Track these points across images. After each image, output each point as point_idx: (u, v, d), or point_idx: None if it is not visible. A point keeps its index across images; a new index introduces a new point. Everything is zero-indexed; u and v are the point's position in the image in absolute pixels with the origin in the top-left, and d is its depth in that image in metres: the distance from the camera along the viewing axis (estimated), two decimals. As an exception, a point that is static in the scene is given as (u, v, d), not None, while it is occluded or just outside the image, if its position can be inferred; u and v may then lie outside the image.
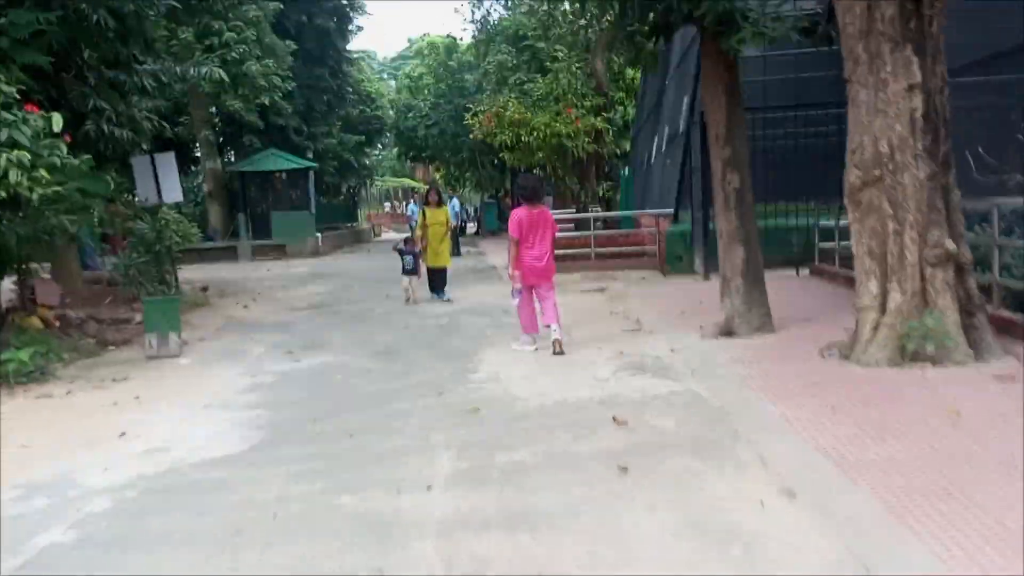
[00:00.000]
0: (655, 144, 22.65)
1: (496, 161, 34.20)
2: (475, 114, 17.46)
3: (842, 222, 12.90)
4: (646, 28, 8.45)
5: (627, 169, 23.12)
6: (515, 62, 23.06)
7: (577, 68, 17.50)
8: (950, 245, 6.37)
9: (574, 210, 17.16)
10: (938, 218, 6.41)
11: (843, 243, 12.61)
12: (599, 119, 16.11)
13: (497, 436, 5.39)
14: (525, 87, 19.55)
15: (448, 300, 12.57)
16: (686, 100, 16.00)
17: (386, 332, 10.10)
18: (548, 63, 22.97)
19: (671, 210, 15.64)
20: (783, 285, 11.90)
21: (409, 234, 12.97)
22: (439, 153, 33.83)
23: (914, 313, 6.41)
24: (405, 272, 12.58)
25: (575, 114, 15.98)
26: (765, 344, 7.61)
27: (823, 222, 13.31)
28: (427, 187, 12.53)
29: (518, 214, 8.31)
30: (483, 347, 8.69)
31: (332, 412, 6.30)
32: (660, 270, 15.19)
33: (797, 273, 13.51)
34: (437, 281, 12.82)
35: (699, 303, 10.62)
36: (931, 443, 4.52)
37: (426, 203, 12.90)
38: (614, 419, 5.57)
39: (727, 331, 8.08)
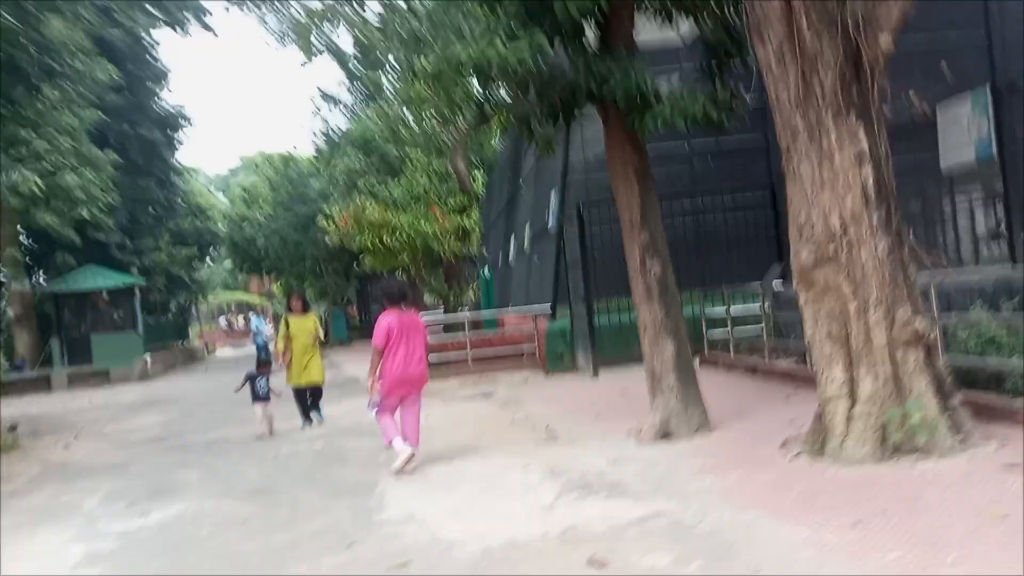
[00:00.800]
0: (513, 243, 22.19)
1: (342, 269, 32.88)
2: (330, 217, 16.22)
3: (733, 308, 12.68)
4: (546, 109, 7.71)
5: (486, 269, 22.44)
6: (363, 166, 22.14)
7: (434, 169, 16.77)
8: (920, 324, 5.78)
9: (442, 311, 16.12)
10: (902, 295, 5.83)
11: (737, 329, 12.30)
12: (465, 217, 15.34)
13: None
14: (375, 190, 18.62)
15: (321, 422, 10.71)
16: (554, 195, 15.53)
17: (252, 466, 8.45)
18: (399, 166, 22.32)
19: (548, 306, 14.87)
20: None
21: (264, 354, 10.90)
22: (279, 263, 32.04)
23: (889, 400, 5.73)
24: (257, 399, 10.12)
25: (440, 213, 15.11)
26: (714, 447, 6.71)
27: (710, 310, 12.93)
28: (289, 295, 10.79)
29: (387, 320, 7.30)
30: (380, 476, 7.28)
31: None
32: (542, 370, 14.27)
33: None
34: (310, 402, 10.77)
35: (605, 404, 9.73)
36: (1000, 557, 3.67)
37: (288, 310, 11.00)
38: (591, 562, 4.40)
39: (664, 433, 7.15)
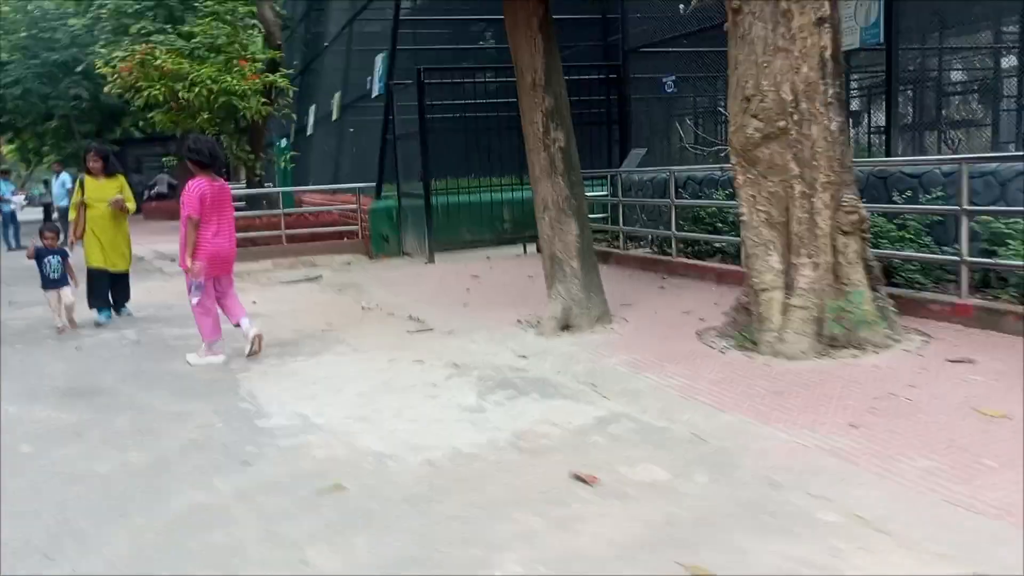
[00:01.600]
0: (313, 113, 20.28)
1: (98, 132, 28.80)
2: (110, 63, 13.60)
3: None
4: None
5: (283, 140, 20.42)
6: (137, 7, 18.94)
7: (237, 15, 14.48)
8: (863, 210, 5.47)
9: (245, 184, 14.23)
10: (849, 178, 5.48)
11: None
12: (279, 76, 13.45)
13: (440, 539, 3.21)
14: (164, 37, 15.96)
15: (129, 315, 8.64)
16: (380, 60, 14.02)
17: (59, 360, 6.85)
18: (180, 12, 19.35)
19: (372, 184, 13.62)
20: (527, 264, 10.73)
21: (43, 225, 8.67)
22: (20, 119, 27.40)
23: (827, 291, 5.42)
24: (49, 285, 7.90)
25: (249, 68, 13.11)
26: (626, 340, 6.18)
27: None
28: (87, 149, 8.46)
29: (199, 186, 6.30)
30: (234, 372, 6.09)
31: (64, 536, 3.50)
32: (365, 253, 13.15)
33: (525, 251, 12.43)
34: (112, 291, 8.47)
35: (462, 292, 8.96)
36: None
37: (85, 170, 8.37)
38: (577, 477, 3.70)
39: (564, 324, 6.51)
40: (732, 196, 8.55)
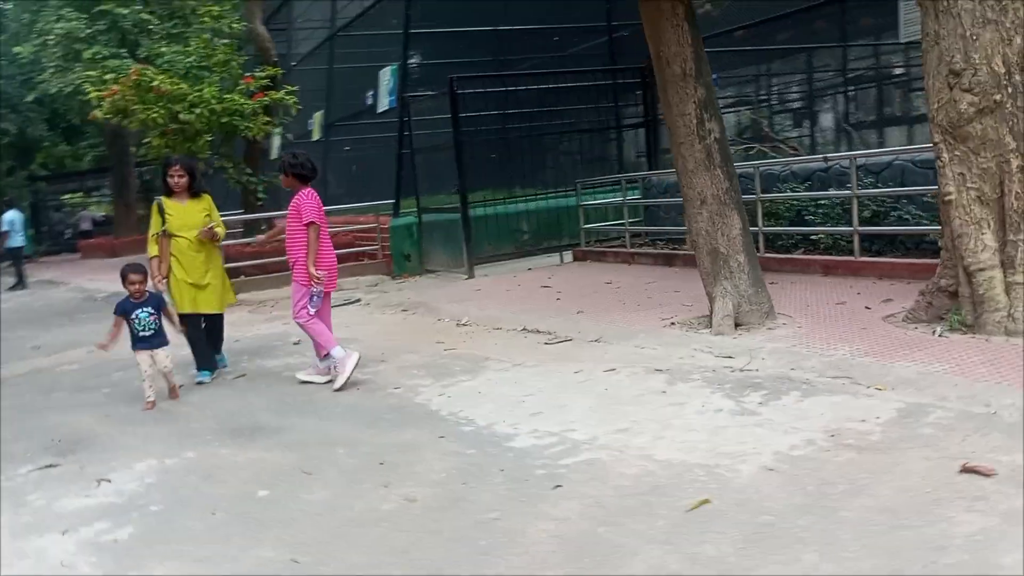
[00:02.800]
0: (283, 131, 19.40)
1: (10, 170, 27.11)
2: (96, 84, 12.55)
3: (604, 200, 11.98)
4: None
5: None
6: (89, 31, 17.73)
7: (230, 28, 13.63)
8: None
9: (243, 210, 13.33)
10: (1064, 151, 5.33)
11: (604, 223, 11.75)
12: (284, 93, 12.69)
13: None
14: (109, 63, 15.00)
15: (225, 368, 6.85)
16: (388, 72, 13.45)
17: (183, 403, 6.06)
18: (134, 36, 18.26)
19: (389, 202, 13.00)
20: (584, 272, 10.39)
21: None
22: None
23: (1049, 268, 5.25)
24: (140, 344, 5.85)
25: (255, 85, 12.31)
26: (818, 332, 5.87)
27: (588, 201, 12.05)
28: (168, 163, 6.66)
29: (315, 195, 6.18)
30: (401, 394, 5.49)
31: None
32: (387, 273, 12.52)
33: (562, 260, 12.07)
34: (209, 339, 6.70)
35: (555, 299, 8.52)
36: None
37: (166, 191, 6.52)
38: (970, 469, 3.35)
39: (737, 322, 6.17)
40: (816, 188, 8.52)
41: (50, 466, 4.64)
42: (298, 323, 6.09)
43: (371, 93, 14.23)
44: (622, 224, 11.53)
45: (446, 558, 3.10)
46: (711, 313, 6.31)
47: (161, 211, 6.48)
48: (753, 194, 8.80)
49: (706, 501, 3.35)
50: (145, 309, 5.85)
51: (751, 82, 15.79)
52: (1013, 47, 5.17)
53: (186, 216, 6.52)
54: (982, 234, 5.34)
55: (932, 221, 7.22)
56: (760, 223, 8.87)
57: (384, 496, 3.77)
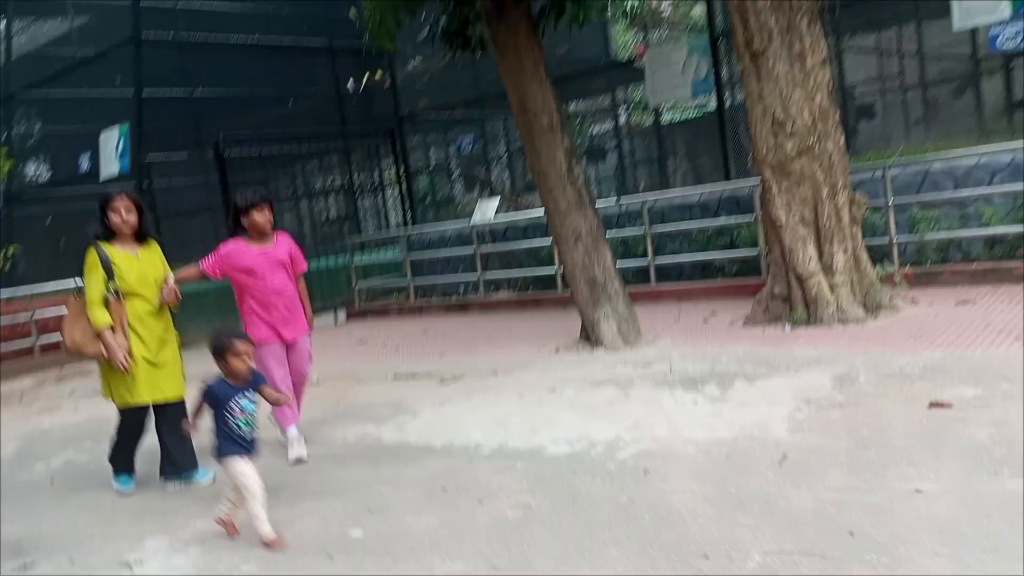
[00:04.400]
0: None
1: None
2: None
3: (375, 257, 12.26)
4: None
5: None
6: None
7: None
8: (867, 202, 7.07)
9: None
10: (850, 180, 7.03)
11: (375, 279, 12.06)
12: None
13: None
14: None
15: (206, 478, 4.94)
16: (118, 134, 12.39)
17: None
18: None
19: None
20: (373, 327, 10.64)
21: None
22: None
23: (853, 271, 6.88)
24: (235, 448, 3.93)
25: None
26: (696, 340, 6.93)
27: (361, 259, 12.24)
28: (108, 197, 4.80)
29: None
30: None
31: None
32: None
33: (336, 320, 12.09)
34: (172, 442, 4.91)
35: (391, 349, 8.73)
36: None
37: (106, 232, 4.81)
38: (936, 404, 4.50)
39: (625, 340, 7.02)
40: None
41: None
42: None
43: (87, 154, 13.00)
44: (400, 279, 11.92)
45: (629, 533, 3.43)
46: (594, 335, 7.07)
47: (104, 261, 4.68)
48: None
49: (785, 456, 4.06)
50: (249, 397, 4.01)
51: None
52: (815, 103, 6.77)
53: (141, 269, 4.81)
54: (807, 248, 6.82)
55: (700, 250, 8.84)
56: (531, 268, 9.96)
57: (487, 511, 3.91)
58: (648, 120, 16.34)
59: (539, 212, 11.20)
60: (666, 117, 16.37)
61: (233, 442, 3.94)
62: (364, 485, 4.56)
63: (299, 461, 5.10)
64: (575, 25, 7.27)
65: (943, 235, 7.86)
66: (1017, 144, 7.89)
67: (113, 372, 4.72)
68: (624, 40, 17.51)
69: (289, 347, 5.29)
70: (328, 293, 12.25)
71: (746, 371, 5.72)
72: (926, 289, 7.39)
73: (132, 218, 4.82)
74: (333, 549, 3.74)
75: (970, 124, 13.55)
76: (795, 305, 6.88)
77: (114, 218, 4.79)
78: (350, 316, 12.17)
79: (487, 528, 3.74)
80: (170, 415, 4.86)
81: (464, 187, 14.62)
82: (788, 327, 6.80)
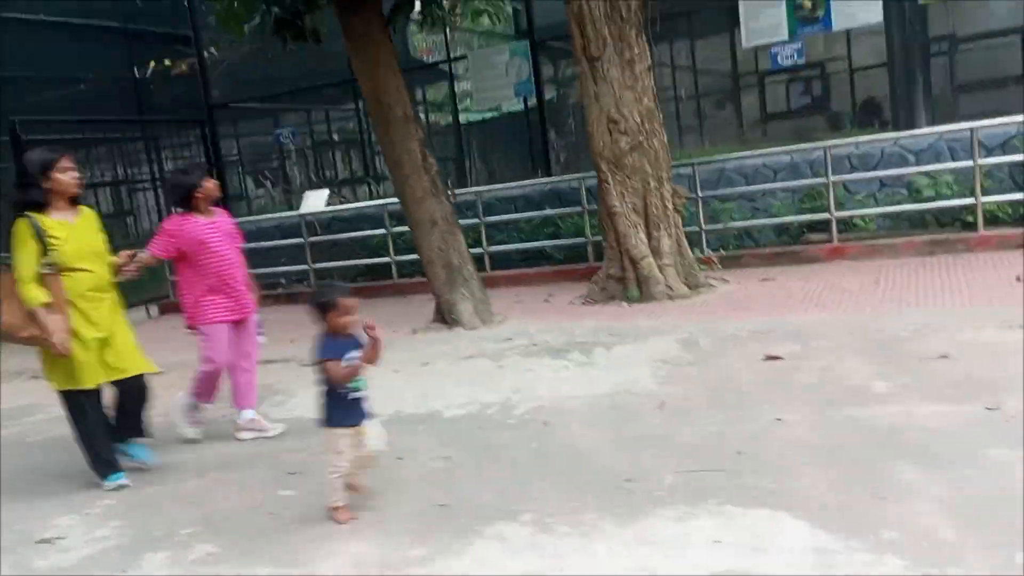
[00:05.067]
0: None
1: None
2: None
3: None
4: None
5: None
6: None
7: None
8: (685, 194, 8.02)
9: None
10: (671, 174, 7.95)
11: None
12: None
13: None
14: None
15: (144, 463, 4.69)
16: None
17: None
18: None
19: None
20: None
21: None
22: None
23: (677, 253, 7.82)
24: (349, 417, 3.66)
25: None
26: (551, 318, 7.53)
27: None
28: (44, 154, 4.31)
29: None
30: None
31: None
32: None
33: (148, 314, 11.61)
34: (130, 416, 4.61)
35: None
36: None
37: (39, 201, 4.25)
38: (771, 357, 5.40)
39: (482, 320, 7.49)
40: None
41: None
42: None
43: None
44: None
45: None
46: (451, 316, 7.47)
47: (39, 234, 4.18)
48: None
49: (663, 403, 4.73)
50: (355, 353, 3.64)
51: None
52: (643, 105, 7.61)
53: (80, 238, 4.35)
54: (638, 233, 7.65)
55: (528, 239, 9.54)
56: (391, 254, 10.26)
57: (411, 465, 4.25)
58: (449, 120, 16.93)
59: (366, 203, 11.54)
60: (465, 117, 17.08)
61: (344, 409, 3.64)
62: (276, 455, 4.70)
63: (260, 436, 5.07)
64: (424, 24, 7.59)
65: (742, 224, 9.03)
66: (794, 147, 9.28)
67: (49, 355, 4.29)
68: (423, 43, 17.98)
69: (239, 325, 5.12)
70: (135, 287, 11.67)
71: (602, 340, 6.38)
72: (731, 270, 8.48)
73: (72, 180, 4.33)
74: (271, 507, 3.91)
75: (731, 132, 15.34)
76: (629, 285, 7.68)
77: (65, 179, 4.29)
78: (165, 311, 11.69)
79: (419, 477, 4.07)
80: (134, 391, 4.50)
81: (282, 180, 14.40)
82: (625, 304, 7.59)
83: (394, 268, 10.30)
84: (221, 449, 5.00)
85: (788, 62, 9.86)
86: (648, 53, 7.71)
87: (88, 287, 4.33)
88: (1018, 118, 8.17)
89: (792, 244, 8.81)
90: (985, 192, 7.93)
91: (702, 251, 8.68)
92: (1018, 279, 6.48)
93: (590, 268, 8.89)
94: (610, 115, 7.53)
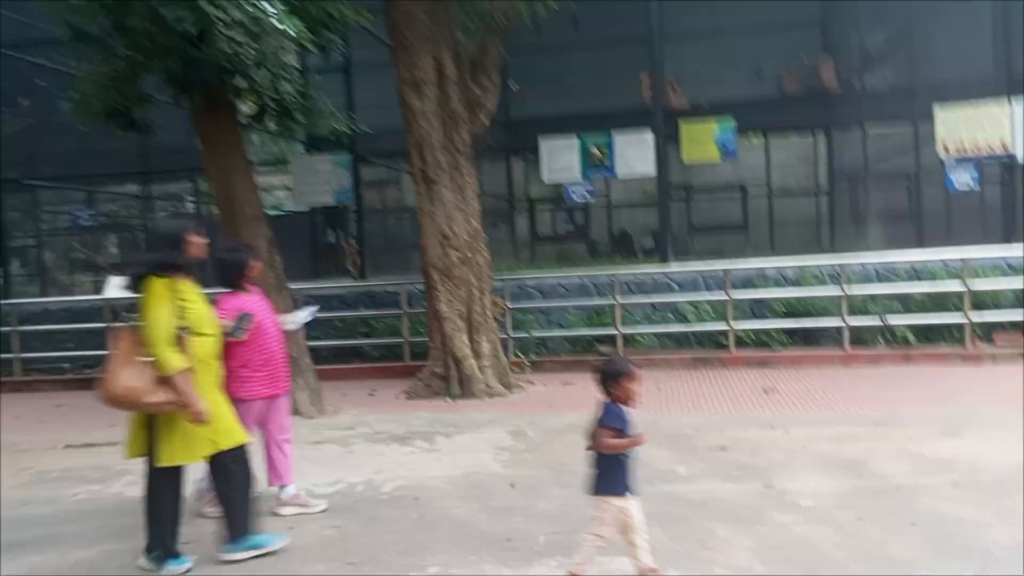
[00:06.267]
0: None
1: None
2: None
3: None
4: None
5: None
6: None
7: None
8: (504, 304, 9.11)
9: None
10: (491, 286, 9.03)
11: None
12: None
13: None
14: None
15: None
16: None
17: None
18: None
19: None
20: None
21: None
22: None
23: (495, 356, 8.83)
24: (625, 482, 3.73)
25: None
26: (384, 410, 8.13)
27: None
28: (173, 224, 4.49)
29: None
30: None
31: None
32: None
33: None
34: (238, 500, 4.39)
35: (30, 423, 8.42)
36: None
37: (174, 266, 4.15)
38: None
39: (319, 409, 7.94)
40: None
41: None
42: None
43: None
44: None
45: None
46: (293, 405, 7.84)
47: (178, 297, 4.11)
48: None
49: (513, 483, 5.57)
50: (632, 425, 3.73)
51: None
52: (471, 225, 8.70)
53: (202, 304, 4.31)
54: (462, 336, 8.59)
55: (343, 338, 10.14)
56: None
57: (307, 533, 4.74)
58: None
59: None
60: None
61: (623, 478, 3.73)
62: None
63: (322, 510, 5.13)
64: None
65: (543, 334, 10.27)
66: (586, 271, 10.80)
67: (170, 425, 4.08)
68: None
69: (273, 401, 5.08)
70: None
71: (439, 430, 7.14)
72: (535, 374, 9.61)
73: (200, 250, 4.35)
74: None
75: (505, 251, 17.02)
76: (452, 382, 8.53)
77: (199, 243, 4.30)
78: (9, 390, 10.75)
79: (320, 543, 4.57)
80: (235, 465, 4.32)
81: (78, 263, 13.72)
82: (449, 399, 8.41)
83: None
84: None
85: (580, 199, 11.51)
86: (474, 181, 8.85)
87: (207, 354, 4.27)
88: (756, 263, 10.24)
89: (584, 353, 10.15)
90: (735, 319, 9.78)
91: (508, 356, 9.75)
92: (765, 391, 8.14)
93: (407, 367, 9.65)
94: (443, 231, 8.52)
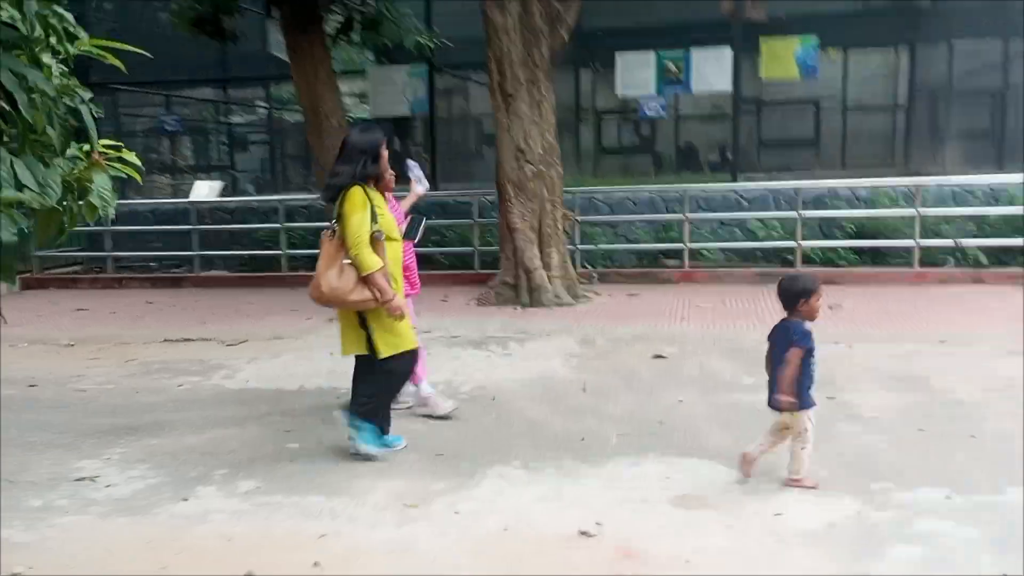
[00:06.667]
0: None
1: None
2: None
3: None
4: None
5: None
6: None
7: None
8: (574, 217, 9.32)
9: None
10: (563, 200, 9.23)
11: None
12: None
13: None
14: None
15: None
16: None
17: None
18: None
19: None
20: (101, 298, 10.57)
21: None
22: None
23: (565, 267, 9.10)
24: (808, 405, 4.09)
25: None
26: (454, 315, 8.52)
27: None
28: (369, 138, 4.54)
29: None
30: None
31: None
32: None
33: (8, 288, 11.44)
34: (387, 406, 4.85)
35: (131, 319, 9.01)
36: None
37: (370, 177, 4.47)
38: (657, 356, 6.74)
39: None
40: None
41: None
42: None
43: None
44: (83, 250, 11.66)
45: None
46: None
47: (370, 202, 4.38)
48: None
49: (584, 386, 5.90)
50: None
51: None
52: (545, 139, 8.84)
53: (388, 212, 4.64)
54: (533, 248, 8.85)
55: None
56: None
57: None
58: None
59: (249, 197, 11.99)
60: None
61: (810, 391, 4.00)
62: (257, 417, 5.41)
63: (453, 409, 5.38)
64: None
65: (609, 247, 10.48)
66: (655, 185, 10.88)
67: (380, 320, 4.47)
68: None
69: (411, 300, 5.39)
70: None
71: (511, 335, 7.50)
72: (600, 286, 9.87)
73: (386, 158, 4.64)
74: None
75: (569, 164, 17.03)
76: (521, 291, 8.85)
77: (386, 164, 4.62)
78: (29, 286, 11.51)
79: (407, 435, 4.96)
80: (405, 367, 4.69)
81: (155, 165, 14.31)
82: (519, 308, 8.74)
83: (284, 261, 10.86)
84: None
85: (653, 114, 11.50)
86: (552, 95, 8.94)
87: (397, 257, 4.64)
88: (829, 182, 10.19)
89: (650, 266, 10.34)
90: (804, 238, 9.83)
91: (575, 267, 10.01)
92: (830, 307, 8.26)
93: (477, 275, 10.00)
94: (519, 146, 8.69)
